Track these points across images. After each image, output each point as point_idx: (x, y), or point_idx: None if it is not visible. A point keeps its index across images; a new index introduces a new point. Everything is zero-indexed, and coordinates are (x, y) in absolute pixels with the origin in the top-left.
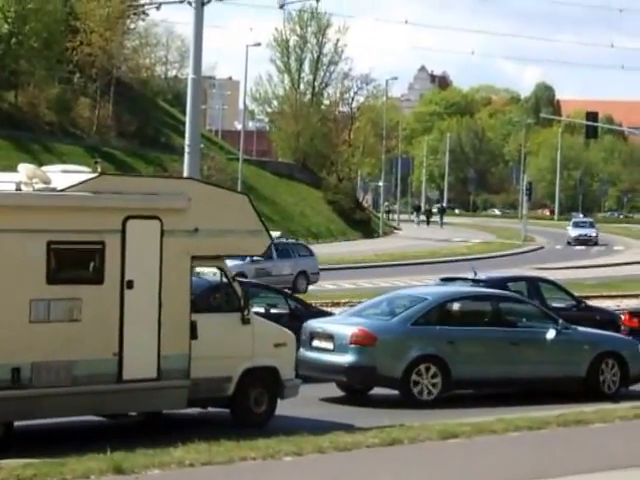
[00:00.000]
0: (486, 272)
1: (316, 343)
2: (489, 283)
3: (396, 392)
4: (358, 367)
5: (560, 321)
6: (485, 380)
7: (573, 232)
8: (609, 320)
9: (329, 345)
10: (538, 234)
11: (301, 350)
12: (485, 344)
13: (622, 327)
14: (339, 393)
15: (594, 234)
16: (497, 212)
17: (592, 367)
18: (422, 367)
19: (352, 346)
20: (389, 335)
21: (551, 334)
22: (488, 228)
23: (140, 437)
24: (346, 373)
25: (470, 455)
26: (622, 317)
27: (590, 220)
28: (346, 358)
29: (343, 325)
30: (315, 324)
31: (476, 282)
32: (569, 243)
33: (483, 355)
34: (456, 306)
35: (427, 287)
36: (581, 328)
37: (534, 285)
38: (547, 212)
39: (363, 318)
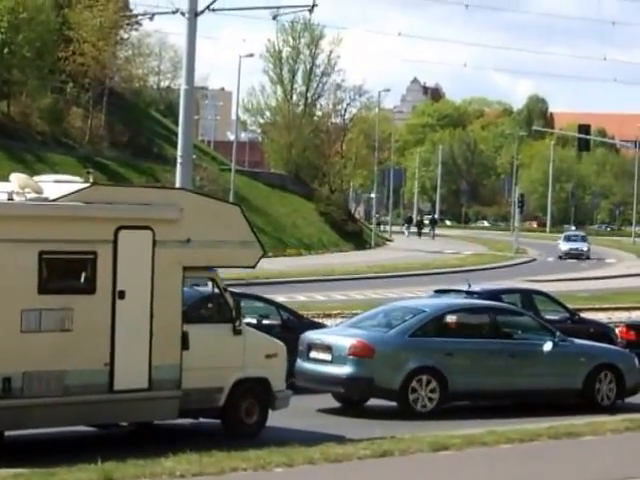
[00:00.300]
0: (479, 284)
1: (314, 354)
2: (483, 295)
3: (391, 403)
4: (356, 378)
5: (557, 333)
6: (482, 392)
7: (564, 246)
8: (603, 332)
9: (327, 356)
10: (530, 246)
11: (298, 361)
12: (483, 356)
13: (619, 340)
14: (332, 404)
15: (585, 248)
16: (486, 224)
17: (588, 379)
18: (420, 379)
19: (350, 357)
20: (387, 347)
21: (548, 346)
22: (479, 240)
23: (131, 447)
24: (344, 384)
25: (461, 467)
26: (616, 329)
27: (582, 234)
28: (344, 369)
29: (341, 336)
30: (313, 335)
31: (470, 294)
32: (560, 257)
33: (481, 367)
34: (454, 318)
35: (424, 299)
36: (577, 340)
37: (528, 297)
38: (534, 224)
39: (361, 330)
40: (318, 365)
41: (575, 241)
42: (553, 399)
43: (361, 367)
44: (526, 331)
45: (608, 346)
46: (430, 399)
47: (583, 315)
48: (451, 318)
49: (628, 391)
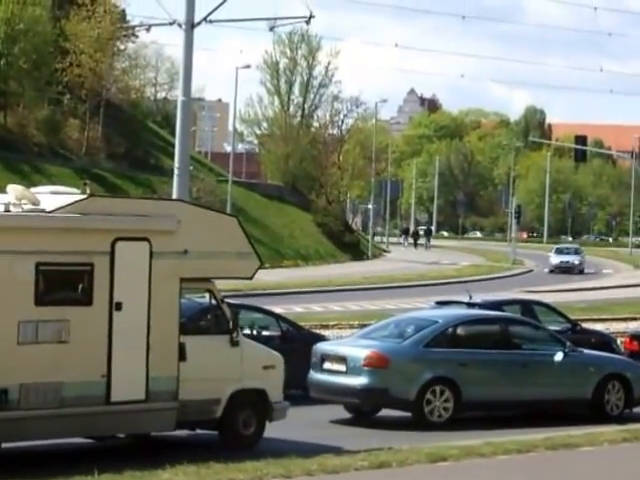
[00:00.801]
0: (479, 295)
1: (327, 365)
2: (484, 306)
3: (400, 414)
4: (371, 389)
5: (567, 344)
6: (495, 402)
7: (555, 259)
8: (604, 342)
9: (341, 367)
10: (526, 257)
11: (311, 372)
12: (495, 366)
13: (623, 350)
14: (331, 416)
15: (577, 261)
16: (479, 234)
17: (598, 389)
18: (435, 389)
19: (365, 368)
20: (402, 357)
21: (559, 356)
22: (476, 251)
23: (128, 459)
24: (359, 395)
25: (458, 478)
26: (617, 340)
27: (575, 246)
28: (359, 380)
29: (355, 347)
30: (326, 347)
31: (471, 305)
32: (551, 271)
33: (493, 377)
34: (467, 329)
35: (435, 310)
36: (586, 350)
37: (528, 308)
38: (524, 235)
39: (374, 340)
40: (332, 376)
41: (567, 254)
42: (564, 409)
43: (376, 378)
44: (537, 342)
45: (616, 356)
46: (445, 409)
47: (583, 325)
48: (464, 329)
49: (636, 400)
